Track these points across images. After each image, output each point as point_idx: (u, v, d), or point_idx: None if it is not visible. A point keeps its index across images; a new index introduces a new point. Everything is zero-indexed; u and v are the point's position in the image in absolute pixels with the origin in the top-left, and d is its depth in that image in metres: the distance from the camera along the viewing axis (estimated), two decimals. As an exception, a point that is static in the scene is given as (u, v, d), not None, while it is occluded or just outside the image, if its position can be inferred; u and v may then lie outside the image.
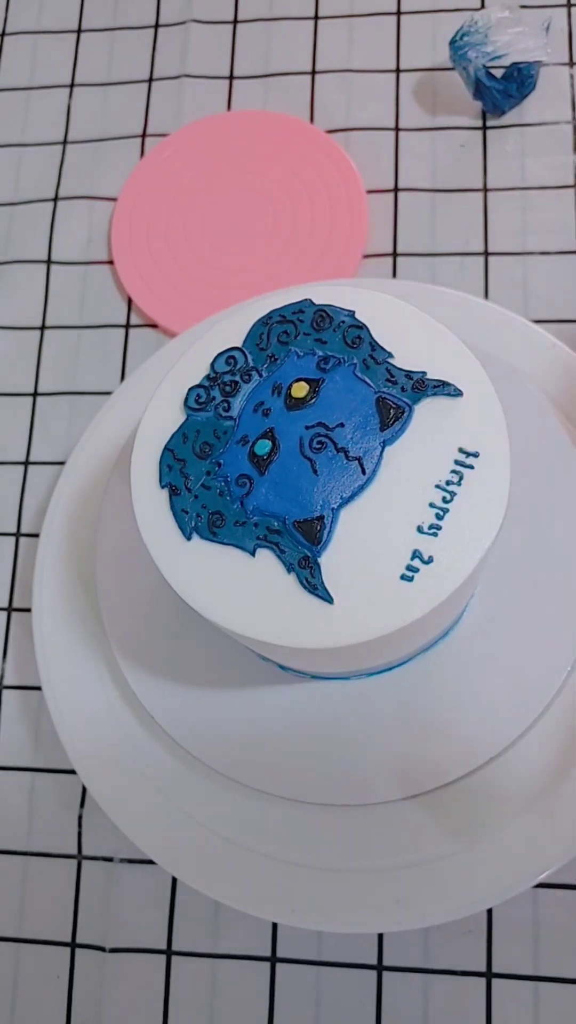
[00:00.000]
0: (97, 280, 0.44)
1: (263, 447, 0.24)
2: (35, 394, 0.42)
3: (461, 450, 0.24)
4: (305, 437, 0.24)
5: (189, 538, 0.24)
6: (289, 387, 0.25)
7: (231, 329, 0.26)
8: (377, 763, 0.31)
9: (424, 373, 0.25)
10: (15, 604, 0.40)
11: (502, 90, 0.41)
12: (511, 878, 0.29)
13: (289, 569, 0.23)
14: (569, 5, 0.44)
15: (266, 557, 0.24)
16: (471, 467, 0.24)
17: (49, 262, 0.44)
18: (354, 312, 0.26)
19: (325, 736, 0.31)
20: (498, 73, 0.41)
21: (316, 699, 0.32)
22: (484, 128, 0.43)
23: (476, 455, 0.24)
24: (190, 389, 0.26)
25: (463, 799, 0.30)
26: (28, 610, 0.39)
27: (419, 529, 0.23)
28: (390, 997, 0.33)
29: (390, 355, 0.25)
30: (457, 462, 0.24)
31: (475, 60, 0.40)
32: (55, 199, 0.45)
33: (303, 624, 0.23)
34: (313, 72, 0.45)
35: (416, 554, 0.23)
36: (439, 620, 0.27)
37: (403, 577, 0.23)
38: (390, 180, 0.43)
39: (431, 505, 0.24)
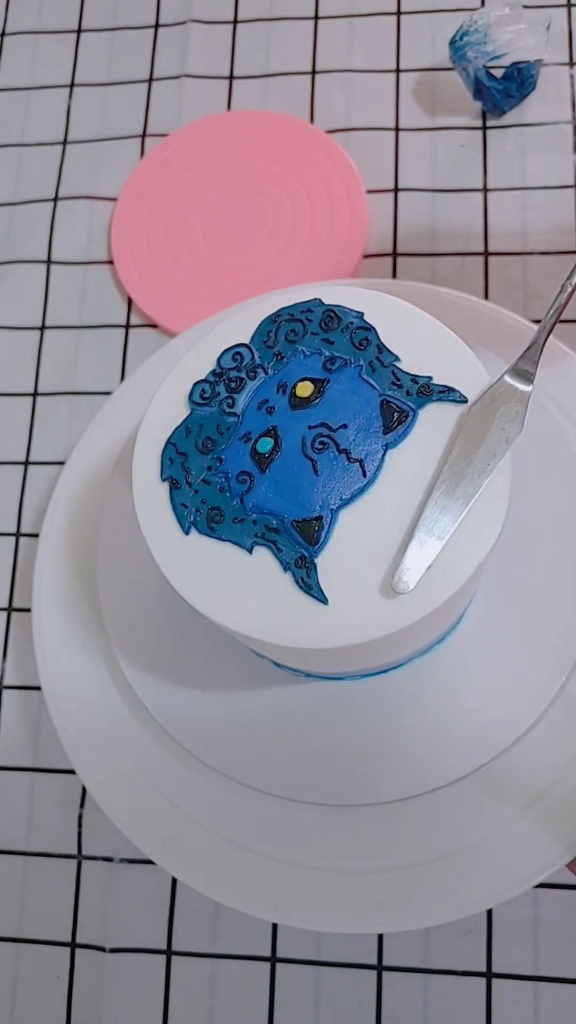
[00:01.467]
0: (97, 280, 0.44)
1: (265, 445, 0.24)
2: (35, 394, 0.42)
3: None
4: (308, 437, 0.24)
5: (187, 532, 0.24)
6: (294, 386, 0.25)
7: (239, 325, 0.26)
8: (377, 764, 0.31)
9: (430, 378, 0.25)
10: (15, 604, 0.40)
11: (502, 90, 0.41)
12: (511, 878, 0.29)
13: (285, 568, 0.23)
14: (569, 5, 0.44)
15: (263, 555, 0.24)
16: None
17: (49, 262, 0.44)
18: (363, 314, 0.26)
19: (326, 736, 0.31)
20: (498, 73, 0.41)
21: (317, 699, 0.32)
22: (484, 128, 0.43)
23: None
24: (195, 384, 0.26)
25: (463, 799, 0.30)
26: (28, 610, 0.39)
27: None
28: (390, 997, 0.33)
29: (397, 358, 0.25)
30: None
31: (475, 60, 0.40)
32: (55, 199, 0.45)
33: (297, 624, 0.23)
34: (313, 72, 0.45)
35: None
36: (433, 627, 0.27)
37: None
38: (390, 180, 0.43)
39: None
